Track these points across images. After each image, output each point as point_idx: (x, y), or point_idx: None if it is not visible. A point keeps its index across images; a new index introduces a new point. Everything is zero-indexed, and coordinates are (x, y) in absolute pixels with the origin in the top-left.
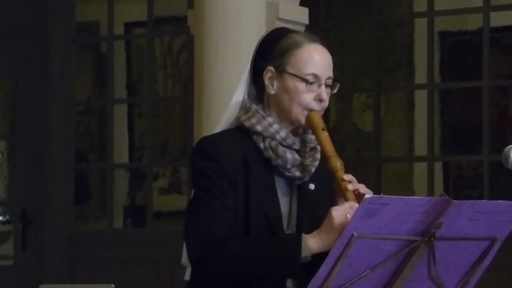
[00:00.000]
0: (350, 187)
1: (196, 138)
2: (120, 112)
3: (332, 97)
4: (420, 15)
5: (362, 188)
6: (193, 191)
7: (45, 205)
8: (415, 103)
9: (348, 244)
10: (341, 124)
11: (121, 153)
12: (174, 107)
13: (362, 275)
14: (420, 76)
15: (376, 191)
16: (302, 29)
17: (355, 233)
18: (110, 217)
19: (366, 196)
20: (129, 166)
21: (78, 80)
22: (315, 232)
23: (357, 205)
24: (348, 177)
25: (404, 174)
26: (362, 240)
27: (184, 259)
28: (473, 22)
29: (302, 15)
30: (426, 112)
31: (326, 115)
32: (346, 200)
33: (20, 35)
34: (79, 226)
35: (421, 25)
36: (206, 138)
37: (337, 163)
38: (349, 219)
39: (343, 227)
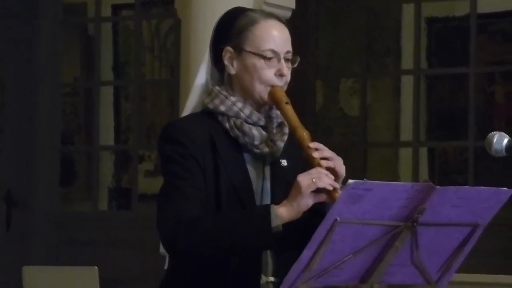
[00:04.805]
0: (316, 154)
1: None
2: (107, 94)
3: (319, 81)
4: (408, 1)
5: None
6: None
7: (30, 186)
8: (402, 88)
9: (331, 229)
10: (328, 108)
11: (107, 136)
12: (160, 90)
13: (345, 259)
14: (407, 62)
15: (362, 175)
16: (289, 14)
17: (338, 218)
18: (96, 199)
19: (350, 181)
20: (115, 149)
21: (65, 62)
22: (284, 201)
23: (323, 170)
24: (314, 144)
25: (390, 159)
26: (345, 225)
27: (162, 249)
28: (461, 9)
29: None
30: (412, 97)
31: (312, 99)
32: (314, 166)
33: (8, 16)
34: (64, 208)
35: (408, 11)
36: (170, 124)
37: (303, 133)
38: (314, 182)
39: (309, 190)
